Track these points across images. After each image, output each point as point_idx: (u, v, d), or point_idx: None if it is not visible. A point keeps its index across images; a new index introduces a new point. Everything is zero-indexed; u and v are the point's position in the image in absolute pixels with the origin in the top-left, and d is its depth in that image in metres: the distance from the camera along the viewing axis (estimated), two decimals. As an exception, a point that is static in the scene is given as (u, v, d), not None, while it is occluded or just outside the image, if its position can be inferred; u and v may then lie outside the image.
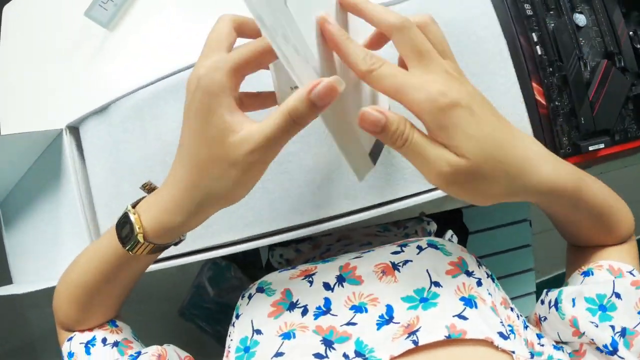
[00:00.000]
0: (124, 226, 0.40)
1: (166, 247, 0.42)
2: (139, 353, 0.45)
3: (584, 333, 0.38)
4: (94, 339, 0.48)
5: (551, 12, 0.56)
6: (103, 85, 0.62)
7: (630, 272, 0.45)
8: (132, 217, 0.39)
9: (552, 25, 0.56)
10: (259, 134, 0.33)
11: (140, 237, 0.39)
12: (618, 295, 0.40)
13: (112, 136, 0.55)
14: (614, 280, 0.41)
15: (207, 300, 1.32)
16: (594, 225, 0.46)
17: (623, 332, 0.39)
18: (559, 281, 0.51)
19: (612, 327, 0.39)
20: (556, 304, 0.42)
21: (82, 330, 0.49)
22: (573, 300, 0.41)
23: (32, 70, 0.69)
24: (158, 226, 0.38)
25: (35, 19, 0.73)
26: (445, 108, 0.32)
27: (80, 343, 0.47)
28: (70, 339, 0.48)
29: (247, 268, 1.28)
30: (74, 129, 0.58)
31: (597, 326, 0.39)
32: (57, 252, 0.65)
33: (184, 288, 1.37)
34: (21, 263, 0.75)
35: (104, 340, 0.48)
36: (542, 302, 0.45)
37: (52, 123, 0.58)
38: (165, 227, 0.38)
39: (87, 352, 0.47)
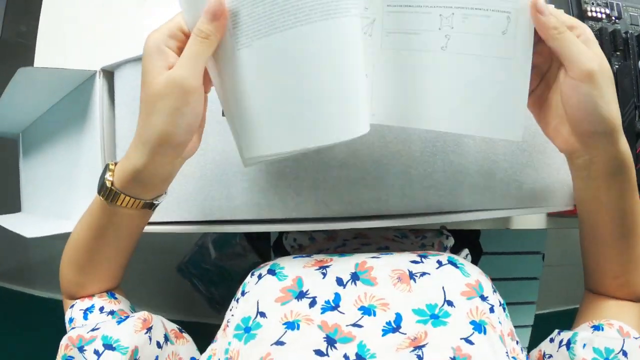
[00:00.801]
0: (102, 179, 0.44)
1: (148, 203, 0.45)
2: (127, 317, 0.46)
3: None
4: (92, 306, 0.50)
5: (617, 54, 0.54)
6: (141, 36, 0.61)
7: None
8: (108, 169, 0.44)
9: (616, 66, 0.54)
10: (178, 61, 0.38)
11: (108, 183, 0.43)
12: (625, 354, 0.40)
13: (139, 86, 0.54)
14: (624, 340, 0.41)
15: (207, 261, 1.33)
16: (621, 243, 0.46)
17: None
18: (555, 318, 0.51)
19: None
20: (568, 344, 0.42)
21: (83, 299, 0.50)
22: (584, 345, 0.41)
23: (74, 10, 0.69)
24: (123, 173, 0.42)
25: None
26: (595, 69, 0.39)
27: (80, 309, 0.49)
28: (72, 306, 0.50)
29: (253, 239, 1.28)
30: (108, 73, 0.57)
31: None
32: (70, 190, 0.65)
33: (186, 244, 1.38)
34: (33, 194, 0.75)
35: (102, 309, 0.50)
36: (552, 341, 0.45)
37: (87, 64, 0.57)
38: (128, 172, 0.42)
39: (85, 317, 0.49)
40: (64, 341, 0.44)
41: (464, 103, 0.42)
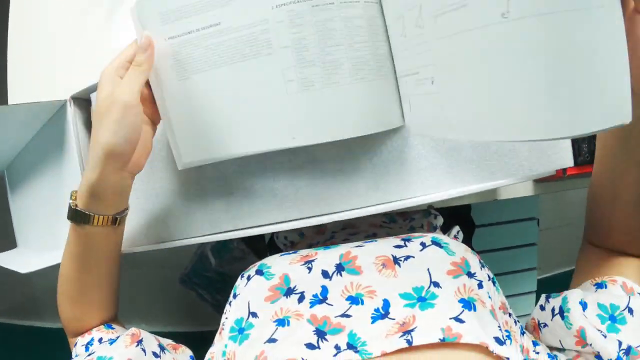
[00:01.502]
0: (69, 205, 0.48)
1: (113, 219, 0.48)
2: (118, 336, 0.50)
3: (590, 344, 0.38)
4: (92, 339, 0.52)
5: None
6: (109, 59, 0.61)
7: None
8: (71, 195, 0.49)
9: None
10: (120, 84, 0.45)
11: (72, 205, 0.47)
12: (631, 311, 0.40)
13: None
14: (629, 296, 0.41)
15: (208, 269, 1.34)
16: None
17: (628, 350, 0.38)
18: (559, 280, 0.50)
19: (619, 342, 0.38)
20: (561, 312, 0.41)
21: (83, 335, 0.53)
22: (583, 303, 0.41)
23: (40, 41, 0.69)
24: (81, 192, 0.47)
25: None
26: None
27: (82, 345, 0.52)
28: (75, 345, 0.53)
29: (250, 240, 1.28)
30: (79, 100, 0.57)
31: (605, 337, 0.38)
32: (58, 220, 0.65)
33: (186, 256, 1.38)
34: (25, 228, 0.75)
35: (100, 340, 0.52)
36: (542, 308, 0.44)
37: (60, 93, 0.57)
38: (84, 189, 0.46)
39: (87, 350, 0.51)
40: None
41: (548, 91, 0.30)
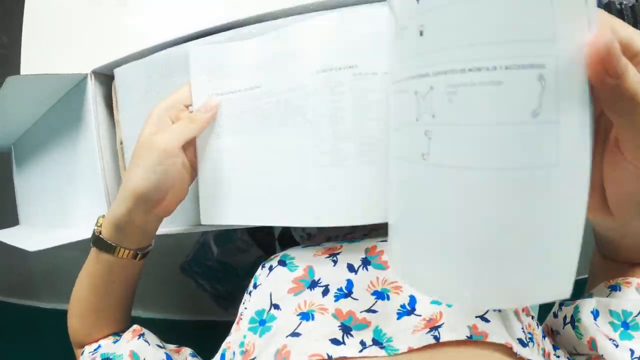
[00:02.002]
0: (93, 230, 0.48)
1: (134, 253, 0.48)
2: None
3: (601, 355, 0.37)
4: (99, 346, 0.51)
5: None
6: (127, 37, 0.60)
7: None
8: (97, 221, 0.49)
9: None
10: (166, 130, 0.44)
11: (97, 232, 0.47)
12: None
13: (146, 87, 0.53)
14: None
15: (210, 258, 1.33)
16: None
17: None
18: (575, 286, 0.49)
19: (632, 350, 0.37)
20: (572, 321, 0.40)
21: (90, 343, 0.52)
22: (595, 312, 0.40)
23: (56, 15, 0.67)
24: (107, 222, 0.47)
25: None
26: None
27: (89, 352, 0.51)
28: (82, 353, 0.52)
29: (254, 232, 1.27)
30: (100, 76, 0.56)
31: (617, 346, 0.37)
32: (69, 199, 0.63)
33: (188, 243, 1.37)
34: (30, 206, 0.74)
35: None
36: (555, 316, 0.44)
37: (74, 69, 0.55)
38: (110, 220, 0.46)
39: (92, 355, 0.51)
40: None
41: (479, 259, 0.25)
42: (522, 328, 0.38)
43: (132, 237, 0.47)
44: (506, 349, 0.35)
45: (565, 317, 0.42)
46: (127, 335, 0.49)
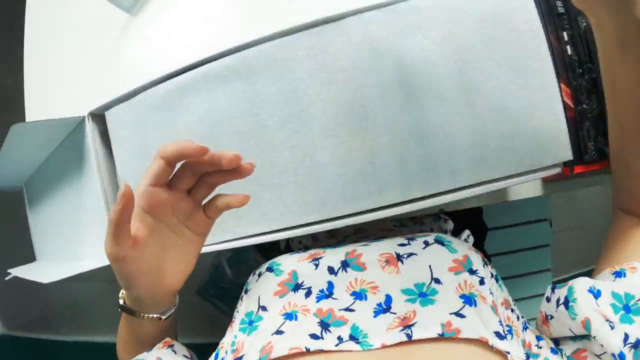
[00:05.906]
0: (119, 296, 0.49)
1: (157, 317, 0.48)
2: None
3: (594, 337, 0.37)
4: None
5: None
6: (126, 73, 0.62)
7: None
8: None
9: (584, 24, 0.54)
10: None
11: (121, 301, 0.48)
12: None
13: (139, 124, 0.55)
14: None
15: (224, 280, 1.35)
16: None
17: (637, 344, 0.36)
18: None
19: (627, 335, 0.36)
20: (566, 302, 0.40)
21: None
22: (595, 292, 0.39)
23: (56, 57, 0.70)
24: (127, 295, 0.48)
25: (58, 4, 0.74)
26: None
27: None
28: None
29: (266, 251, 1.29)
30: (97, 116, 0.59)
31: (612, 328, 0.36)
32: (78, 234, 0.66)
33: (202, 267, 1.39)
34: (44, 242, 0.77)
35: None
36: (548, 300, 0.43)
37: (76, 109, 0.58)
38: (128, 297, 0.48)
39: None
40: None
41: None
42: (500, 321, 0.39)
43: (151, 308, 0.48)
44: (482, 343, 0.37)
45: (558, 299, 0.41)
46: (159, 344, 0.50)
